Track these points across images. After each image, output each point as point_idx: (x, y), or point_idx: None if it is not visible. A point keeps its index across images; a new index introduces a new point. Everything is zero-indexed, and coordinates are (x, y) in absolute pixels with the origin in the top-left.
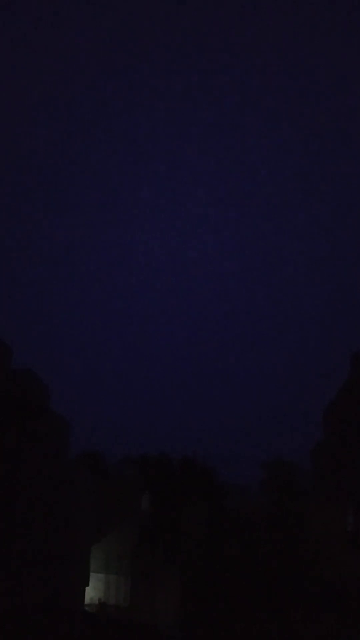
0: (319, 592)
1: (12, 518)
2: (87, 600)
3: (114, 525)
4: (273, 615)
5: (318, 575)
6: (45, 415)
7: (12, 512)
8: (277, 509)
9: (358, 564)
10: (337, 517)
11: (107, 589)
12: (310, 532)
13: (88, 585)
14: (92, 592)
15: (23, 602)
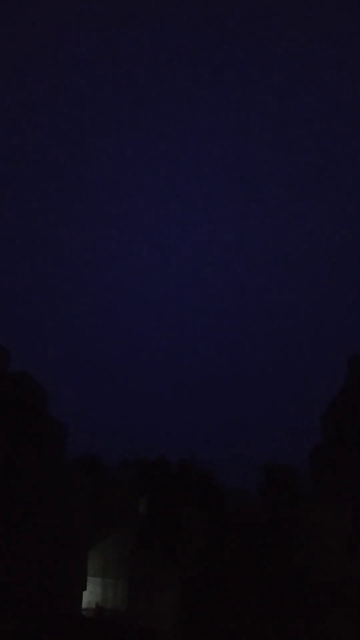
0: (318, 595)
1: (9, 521)
2: (84, 604)
3: (112, 529)
4: (272, 618)
5: (317, 578)
6: (42, 419)
7: (9, 516)
8: (275, 512)
9: (356, 565)
10: (336, 520)
11: (105, 592)
12: (308, 535)
13: (85, 589)
14: (89, 596)
15: (20, 606)
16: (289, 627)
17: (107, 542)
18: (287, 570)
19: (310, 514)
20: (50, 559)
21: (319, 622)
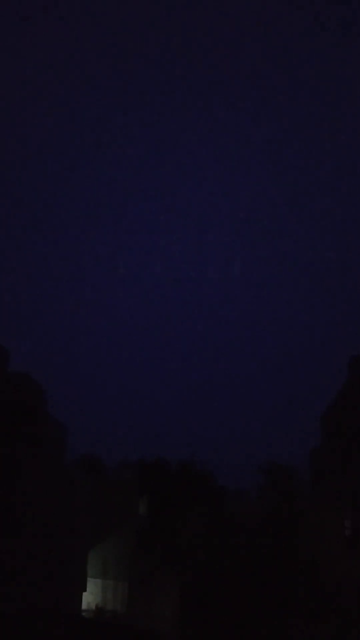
0: (317, 596)
1: (8, 522)
2: (84, 605)
3: (112, 530)
4: (272, 619)
5: (316, 580)
6: (42, 420)
7: (8, 516)
8: (275, 513)
9: (356, 567)
10: (335, 521)
11: (105, 594)
12: (308, 536)
13: (85, 590)
14: (89, 598)
15: (18, 608)
16: (289, 628)
17: (107, 543)
18: (287, 571)
19: (310, 515)
20: (49, 560)
21: (319, 623)
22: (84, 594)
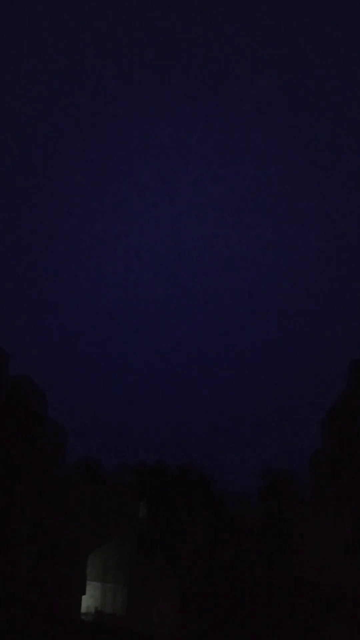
0: (317, 600)
1: (7, 525)
2: (83, 609)
3: (111, 533)
4: (271, 623)
5: (316, 583)
6: (42, 422)
7: (8, 519)
8: (275, 517)
9: (356, 571)
10: (335, 525)
11: (104, 597)
12: (308, 540)
13: (84, 593)
14: (88, 601)
15: (18, 611)
16: (288, 633)
17: (107, 546)
18: (287, 575)
19: (310, 520)
20: (50, 563)
21: (318, 628)
22: (84, 597)
